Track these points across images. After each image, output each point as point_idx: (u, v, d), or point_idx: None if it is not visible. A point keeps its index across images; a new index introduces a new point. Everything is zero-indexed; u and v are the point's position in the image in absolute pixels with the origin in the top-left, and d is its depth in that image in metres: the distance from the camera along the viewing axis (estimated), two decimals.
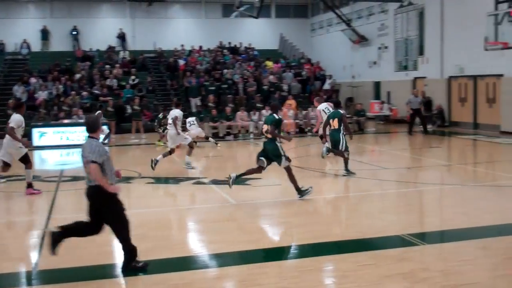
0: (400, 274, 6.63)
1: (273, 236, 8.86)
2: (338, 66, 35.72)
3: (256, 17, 33.96)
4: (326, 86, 31.88)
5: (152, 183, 13.47)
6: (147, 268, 6.95)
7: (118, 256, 7.34)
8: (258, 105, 26.02)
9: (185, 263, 7.34)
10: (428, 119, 25.45)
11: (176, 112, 15.16)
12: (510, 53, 21.34)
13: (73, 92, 27.18)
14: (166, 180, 13.84)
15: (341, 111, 14.05)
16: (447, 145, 20.96)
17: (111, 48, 34.54)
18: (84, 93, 27.44)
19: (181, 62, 32.11)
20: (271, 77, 30.34)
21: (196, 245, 8.38)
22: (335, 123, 13.68)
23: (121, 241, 6.90)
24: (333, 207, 10.78)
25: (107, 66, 31.05)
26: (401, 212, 10.22)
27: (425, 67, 28.42)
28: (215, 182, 13.20)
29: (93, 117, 7.19)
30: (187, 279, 6.74)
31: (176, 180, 13.73)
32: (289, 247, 8.09)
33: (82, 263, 7.35)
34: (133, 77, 29.74)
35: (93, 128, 6.90)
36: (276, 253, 7.78)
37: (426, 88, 27.98)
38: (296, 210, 10.35)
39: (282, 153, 10.87)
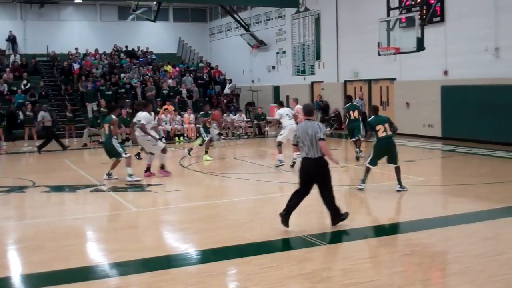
0: (302, 274, 6.69)
1: (176, 242, 8.71)
2: (238, 70, 35.96)
3: (153, 21, 33.56)
4: (226, 90, 32.02)
5: (47, 191, 12.91)
6: (347, 217, 8.76)
7: (13, 269, 6.96)
8: (159, 109, 25.67)
9: (84, 274, 7.05)
10: (326, 123, 26.13)
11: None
12: (402, 58, 22.29)
13: None
14: (62, 188, 13.32)
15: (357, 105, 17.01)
16: (344, 147, 21.55)
17: (0, 52, 32.93)
18: None
19: (76, 66, 31.09)
20: (170, 81, 30.05)
21: (96, 255, 8.08)
22: (355, 114, 16.89)
23: (329, 202, 8.65)
24: (236, 211, 10.76)
25: None
26: (302, 213, 10.33)
27: (321, 72, 29.17)
28: (114, 189, 12.84)
29: (311, 104, 9.62)
30: None
31: (73, 188, 13.23)
32: (192, 253, 7.98)
33: None
34: (24, 81, 28.50)
35: (311, 112, 8.91)
36: (179, 259, 7.65)
37: (323, 92, 28.78)
38: (198, 215, 10.25)
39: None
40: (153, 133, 14.17)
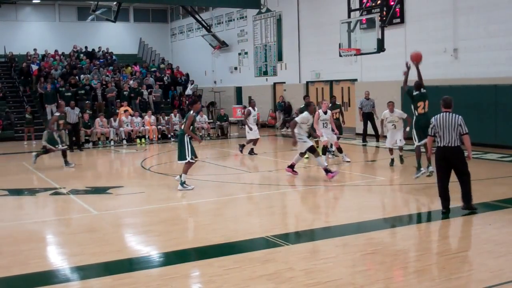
0: (265, 275, 6.67)
1: (137, 245, 8.60)
2: (200, 71, 35.86)
3: (113, 21, 33.20)
4: (188, 91, 31.83)
5: (6, 195, 12.62)
6: (476, 211, 9.46)
7: None
8: (117, 111, 25.38)
9: (44, 278, 6.90)
10: (288, 123, 26.21)
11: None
12: (363, 59, 22.52)
13: None
14: (21, 192, 13.03)
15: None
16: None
17: None
18: None
19: (34, 67, 30.50)
20: (132, 82, 29.68)
21: (56, 259, 7.92)
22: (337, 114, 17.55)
23: (467, 187, 9.38)
24: (198, 213, 10.71)
25: None
26: (265, 214, 10.35)
27: (284, 73, 29.29)
28: (74, 192, 12.63)
29: (450, 97, 9.41)
30: None
31: (32, 192, 12.97)
32: (154, 256, 7.89)
33: None
34: None
35: (449, 104, 9.31)
36: (141, 263, 7.55)
37: (285, 93, 28.88)
38: (160, 217, 10.16)
39: None
40: (302, 132, 13.57)
